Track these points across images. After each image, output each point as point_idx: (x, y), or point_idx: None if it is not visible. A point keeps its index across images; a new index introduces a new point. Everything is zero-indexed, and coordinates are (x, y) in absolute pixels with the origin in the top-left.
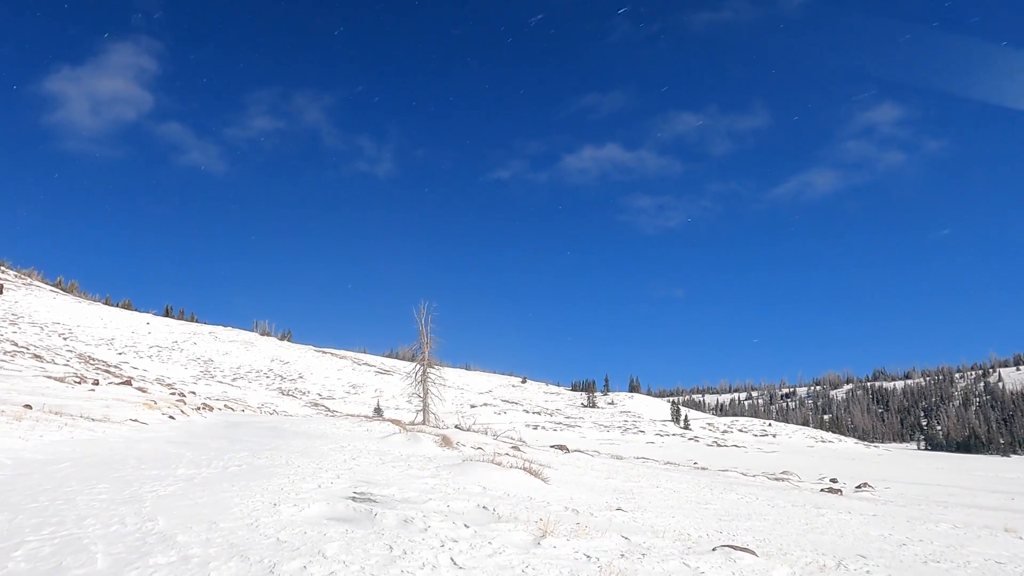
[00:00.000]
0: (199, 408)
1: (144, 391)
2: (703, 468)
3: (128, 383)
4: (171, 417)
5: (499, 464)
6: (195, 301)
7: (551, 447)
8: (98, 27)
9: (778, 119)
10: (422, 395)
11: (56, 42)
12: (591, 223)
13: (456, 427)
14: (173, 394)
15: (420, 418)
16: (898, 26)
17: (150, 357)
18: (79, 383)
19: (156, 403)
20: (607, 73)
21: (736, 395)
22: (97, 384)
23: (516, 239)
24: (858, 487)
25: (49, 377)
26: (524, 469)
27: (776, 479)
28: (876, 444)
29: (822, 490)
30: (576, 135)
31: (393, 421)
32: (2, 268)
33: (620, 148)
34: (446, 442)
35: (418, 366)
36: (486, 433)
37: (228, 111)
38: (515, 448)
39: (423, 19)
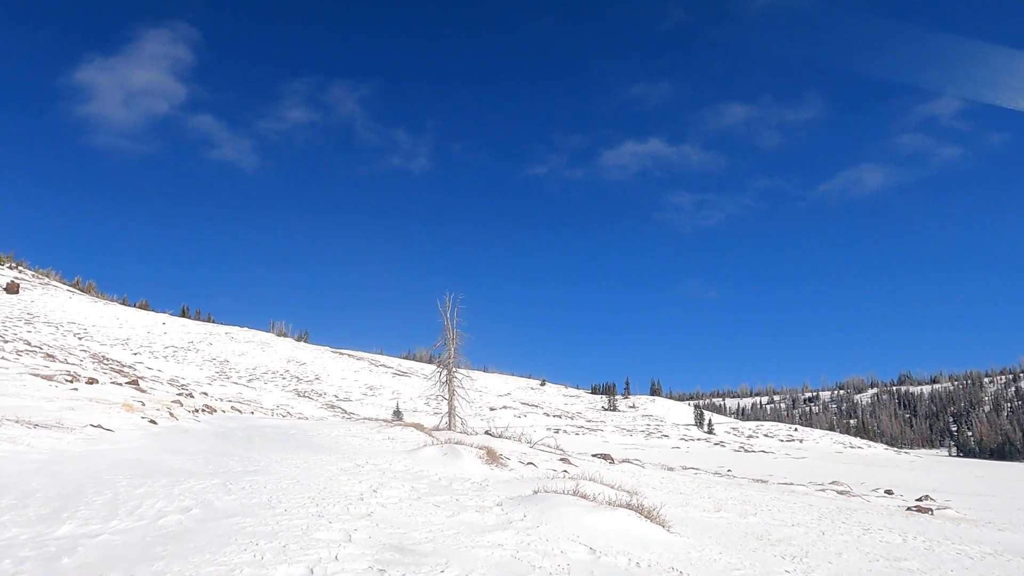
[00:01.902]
0: (197, 410)
1: (143, 391)
2: (762, 480)
3: (135, 383)
4: (152, 422)
5: (586, 496)
6: (212, 301)
7: (593, 456)
8: (131, 15)
9: (831, 110)
10: (448, 397)
11: (89, 31)
12: (626, 221)
13: (487, 433)
14: (180, 394)
15: (445, 422)
16: (958, 40)
17: (165, 357)
18: (69, 381)
19: (144, 404)
20: (656, 62)
21: (757, 399)
22: (93, 382)
23: (545, 238)
24: (919, 500)
25: (36, 375)
26: (629, 507)
27: (841, 493)
28: (906, 450)
29: (908, 508)
30: (618, 129)
31: (415, 426)
32: (20, 268)
33: (663, 142)
34: (492, 457)
35: (442, 365)
36: (520, 440)
37: (262, 102)
38: (564, 460)
39: (464, 7)
